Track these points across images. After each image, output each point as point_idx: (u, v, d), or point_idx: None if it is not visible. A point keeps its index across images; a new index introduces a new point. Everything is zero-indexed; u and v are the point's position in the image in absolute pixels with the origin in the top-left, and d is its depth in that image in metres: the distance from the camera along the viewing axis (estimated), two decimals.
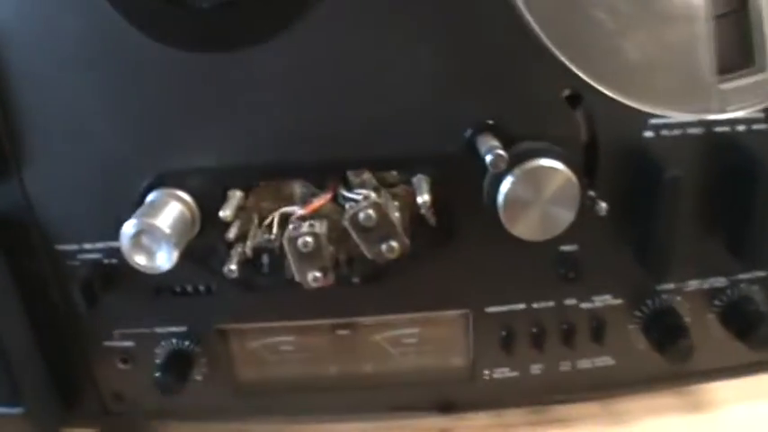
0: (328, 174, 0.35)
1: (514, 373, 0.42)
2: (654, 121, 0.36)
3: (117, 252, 0.38)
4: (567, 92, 0.34)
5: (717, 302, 0.41)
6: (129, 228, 0.34)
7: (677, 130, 0.36)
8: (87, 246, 0.39)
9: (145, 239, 0.34)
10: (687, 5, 0.33)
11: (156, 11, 0.33)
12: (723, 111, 0.36)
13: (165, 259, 0.34)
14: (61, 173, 0.37)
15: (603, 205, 0.35)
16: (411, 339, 0.41)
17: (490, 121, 0.34)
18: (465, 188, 0.34)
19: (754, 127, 0.36)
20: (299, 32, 0.33)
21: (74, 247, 0.39)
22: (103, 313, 0.40)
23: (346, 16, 0.33)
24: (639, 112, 0.35)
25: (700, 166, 0.37)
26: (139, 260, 0.34)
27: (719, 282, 0.41)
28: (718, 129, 0.36)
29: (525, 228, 0.34)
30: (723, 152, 0.37)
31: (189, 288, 0.39)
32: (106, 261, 0.39)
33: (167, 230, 0.33)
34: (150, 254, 0.34)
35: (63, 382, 0.43)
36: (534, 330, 0.40)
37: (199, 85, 0.35)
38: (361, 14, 0.33)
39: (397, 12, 0.33)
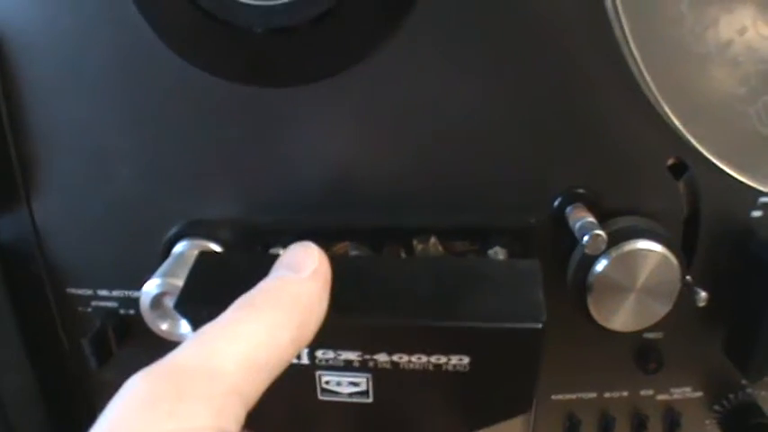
0: (387, 240, 0.30)
1: None
2: (764, 199, 0.30)
3: (135, 302, 0.34)
4: (671, 160, 0.29)
5: None
6: (151, 286, 0.29)
7: None
8: (103, 293, 0.34)
9: (168, 301, 0.29)
10: None
11: (199, 32, 0.28)
12: None
13: (189, 328, 0.29)
14: (77, 210, 0.33)
15: (703, 294, 0.30)
16: None
17: (581, 190, 0.29)
18: (546, 264, 0.29)
19: None
20: (363, 74, 0.28)
21: (87, 292, 0.35)
22: (116, 366, 0.35)
23: (423, 60, 0.28)
24: (749, 188, 0.30)
25: None
26: (161, 326, 0.29)
27: None
28: None
29: (615, 317, 0.29)
30: None
31: None
32: (122, 311, 0.34)
33: None
34: (174, 319, 0.29)
35: None
36: (602, 422, 0.35)
37: (240, 123, 0.30)
38: (440, 61, 0.28)
39: (481, 59, 0.28)
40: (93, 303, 0.35)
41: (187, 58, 0.28)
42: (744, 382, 0.35)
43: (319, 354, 0.24)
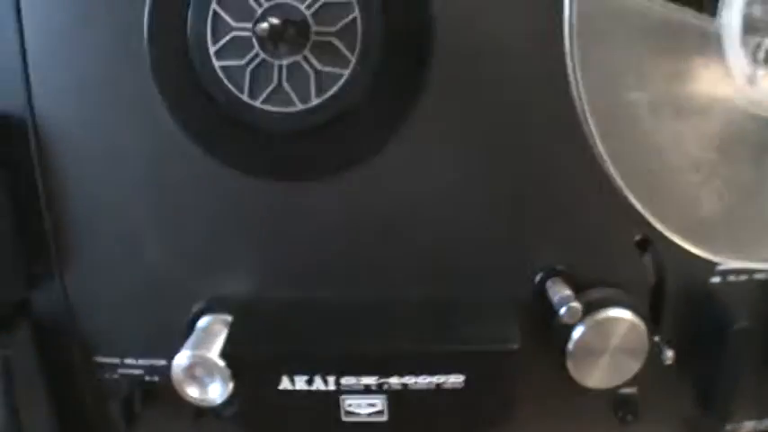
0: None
1: None
2: (722, 267, 0.36)
3: (159, 369, 0.38)
4: (637, 237, 0.35)
5: None
6: (182, 359, 0.34)
7: (744, 276, 0.36)
8: (129, 361, 0.39)
9: (198, 371, 0.34)
10: (764, 156, 0.34)
11: (224, 133, 0.34)
12: None
13: (218, 392, 0.34)
14: (107, 283, 0.37)
15: (670, 353, 0.35)
16: None
17: (559, 266, 0.35)
18: (529, 333, 0.35)
19: None
20: (363, 172, 0.34)
21: (115, 360, 0.39)
22: (140, 430, 0.40)
23: (417, 158, 0.34)
24: (708, 258, 0.35)
25: (764, 309, 0.37)
26: (192, 392, 0.34)
27: None
28: None
29: (592, 375, 0.34)
30: None
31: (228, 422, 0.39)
32: (148, 378, 0.39)
33: (222, 364, 0.33)
34: (203, 386, 0.34)
35: None
36: None
37: (257, 211, 0.35)
38: (435, 156, 0.34)
39: (469, 155, 0.34)
40: (120, 371, 0.39)
41: (212, 154, 0.34)
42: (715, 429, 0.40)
43: (344, 381, 0.30)
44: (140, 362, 0.39)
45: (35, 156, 0.35)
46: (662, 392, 0.39)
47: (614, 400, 0.38)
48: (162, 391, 0.39)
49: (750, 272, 0.36)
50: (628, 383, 0.37)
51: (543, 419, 0.38)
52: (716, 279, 0.36)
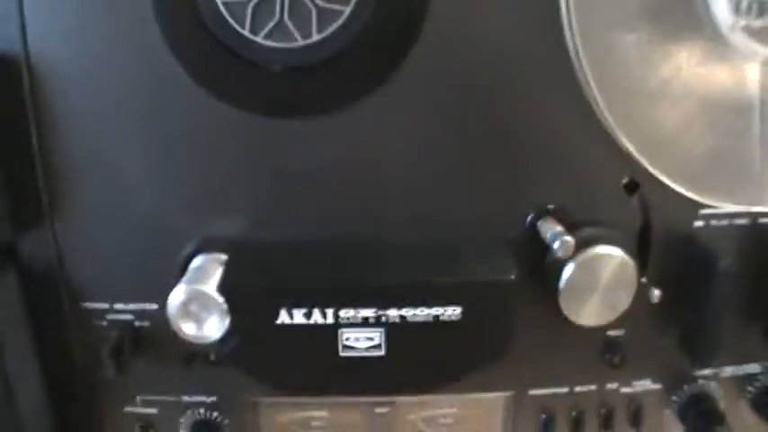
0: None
1: None
2: (704, 211, 0.38)
3: (149, 314, 0.39)
4: (625, 179, 0.36)
5: (750, 388, 0.43)
6: (178, 295, 0.34)
7: (725, 221, 0.38)
8: (119, 306, 0.39)
9: (194, 307, 0.34)
10: (745, 104, 0.36)
11: (223, 68, 0.34)
12: None
13: (215, 328, 0.34)
14: (97, 227, 0.38)
15: (657, 292, 0.37)
16: (447, 420, 0.41)
17: (550, 206, 0.36)
18: (523, 273, 0.36)
19: None
20: (357, 112, 0.35)
21: (104, 306, 0.39)
22: (128, 377, 0.40)
23: (409, 101, 0.35)
24: (691, 202, 0.37)
25: (744, 254, 0.39)
26: (188, 329, 0.34)
27: (753, 368, 0.42)
28: (764, 220, 0.39)
29: (582, 313, 0.35)
30: (766, 242, 0.39)
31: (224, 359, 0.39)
32: (138, 323, 0.39)
33: (219, 298, 0.34)
34: (199, 322, 0.34)
35: None
36: (574, 414, 0.41)
37: (251, 149, 0.36)
38: (428, 99, 0.35)
39: (461, 99, 0.35)
40: (109, 317, 0.39)
41: (209, 91, 0.34)
42: (696, 373, 0.42)
43: (342, 313, 0.30)
44: (131, 306, 0.39)
45: (28, 98, 0.35)
46: (647, 337, 0.40)
47: (602, 343, 0.39)
48: (152, 337, 0.39)
49: (731, 216, 0.38)
50: (615, 325, 0.38)
51: (535, 359, 0.39)
52: (699, 223, 0.38)
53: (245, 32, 0.33)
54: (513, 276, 0.32)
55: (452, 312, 0.32)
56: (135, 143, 0.36)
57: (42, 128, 0.36)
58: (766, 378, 0.43)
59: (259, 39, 0.33)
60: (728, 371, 0.42)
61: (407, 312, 0.32)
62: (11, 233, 0.38)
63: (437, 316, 0.32)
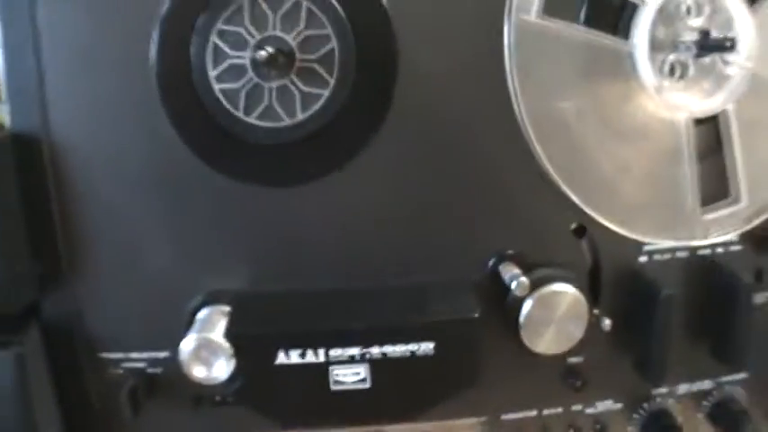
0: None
1: None
2: (647, 247, 0.44)
3: (161, 361, 0.44)
4: (574, 225, 0.42)
5: (705, 403, 0.48)
6: (189, 343, 0.39)
7: (668, 255, 0.44)
8: (133, 355, 0.44)
9: (204, 353, 0.39)
10: (675, 151, 0.42)
11: (222, 145, 0.40)
12: (705, 237, 0.44)
13: (222, 371, 0.39)
14: (112, 285, 0.43)
15: (607, 322, 0.42)
16: None
17: (510, 252, 0.42)
18: (487, 311, 0.41)
19: (731, 249, 0.45)
20: (342, 177, 0.41)
21: (119, 355, 0.44)
22: (142, 420, 0.44)
23: (384, 165, 0.41)
24: (635, 240, 0.43)
25: (687, 283, 0.45)
26: (198, 372, 0.40)
27: (706, 384, 0.48)
28: (702, 252, 0.44)
29: (541, 343, 0.41)
30: (706, 271, 0.45)
31: (228, 398, 0.44)
32: (150, 370, 0.44)
33: (225, 344, 0.39)
34: (208, 366, 0.39)
35: None
36: None
37: (249, 215, 0.42)
38: (400, 162, 0.41)
39: (428, 162, 0.41)
40: (124, 365, 0.44)
41: (209, 164, 0.40)
42: (653, 392, 0.48)
43: (331, 352, 0.37)
44: (144, 355, 0.44)
45: (48, 166, 0.41)
46: (605, 361, 0.45)
47: (564, 369, 0.45)
48: (164, 382, 0.44)
49: (672, 250, 0.44)
50: (574, 352, 0.44)
51: (504, 386, 0.44)
52: (643, 258, 0.44)
53: (240, 114, 0.39)
54: (476, 314, 0.38)
55: (426, 347, 0.38)
56: (145, 211, 0.42)
57: (62, 198, 0.41)
58: (719, 393, 0.48)
59: (251, 119, 0.39)
60: (683, 388, 0.48)
61: (388, 349, 0.38)
62: (36, 291, 0.43)
63: (413, 351, 0.38)
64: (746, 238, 0.45)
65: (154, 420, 0.45)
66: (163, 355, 0.44)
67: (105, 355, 0.44)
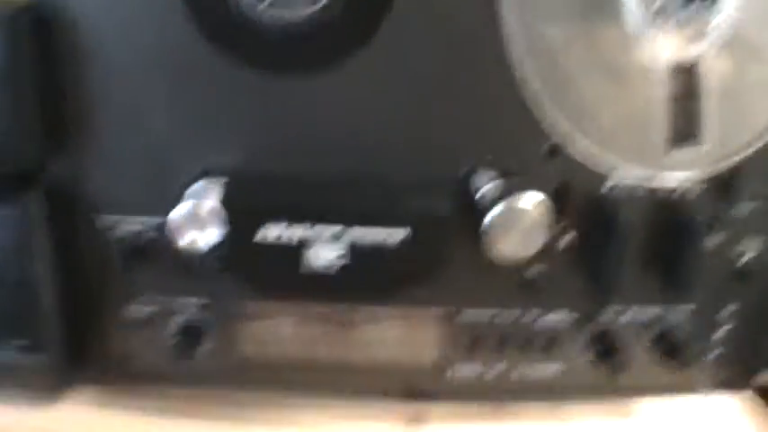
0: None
1: (477, 373, 0.53)
2: (615, 179, 0.47)
3: (156, 227, 0.48)
4: (549, 144, 0.46)
5: (652, 328, 0.53)
6: (183, 208, 0.43)
7: (629, 189, 0.48)
8: (129, 218, 0.48)
9: (196, 218, 0.43)
10: (652, 90, 0.45)
11: (232, 31, 0.43)
12: (670, 171, 0.48)
13: (213, 236, 0.43)
14: (114, 150, 0.46)
15: (568, 236, 0.47)
16: (393, 333, 0.51)
17: (487, 161, 0.46)
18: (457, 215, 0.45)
19: (690, 188, 0.48)
20: (340, 72, 0.44)
21: (116, 218, 0.48)
22: (132, 280, 0.49)
23: (379, 66, 0.44)
24: (603, 169, 0.47)
25: (647, 214, 0.48)
26: (190, 237, 0.43)
27: (655, 311, 0.52)
28: (660, 193, 0.48)
29: (507, 248, 0.45)
30: (666, 205, 0.48)
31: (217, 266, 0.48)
32: (145, 234, 0.48)
33: (220, 210, 0.43)
34: (201, 231, 0.43)
35: (78, 338, 0.51)
36: (498, 338, 0.51)
37: (251, 95, 0.45)
38: (393, 65, 0.44)
39: (417, 69, 0.44)
40: (121, 227, 0.48)
41: (220, 49, 0.43)
42: (604, 311, 0.52)
43: (313, 229, 0.42)
44: (141, 219, 0.48)
45: (60, 31, 0.43)
46: (563, 274, 0.50)
47: (524, 276, 0.49)
48: (156, 246, 0.48)
49: (634, 187, 0.48)
50: (535, 260, 0.48)
51: (468, 283, 0.49)
52: (609, 184, 0.47)
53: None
54: (448, 213, 0.43)
55: (399, 234, 0.42)
56: (152, 82, 0.44)
57: (71, 62, 0.44)
58: (665, 319, 0.53)
59: (263, 5, 0.42)
60: (634, 310, 0.52)
61: (364, 231, 0.42)
62: (41, 150, 0.46)
63: (386, 237, 0.42)
64: (711, 184, 0.48)
65: (143, 281, 0.50)
66: (158, 220, 0.47)
67: (103, 216, 0.48)
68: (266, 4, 0.42)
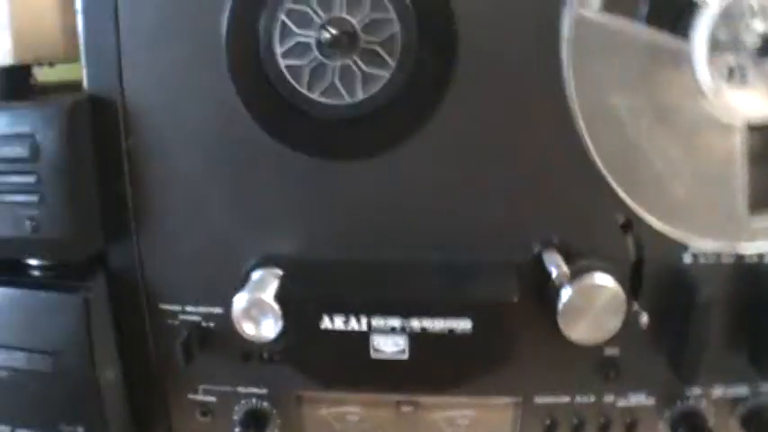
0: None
1: None
2: (693, 249, 0.45)
3: (214, 317, 0.48)
4: (622, 219, 0.44)
5: (739, 409, 0.49)
6: (241, 301, 0.43)
7: (713, 258, 0.45)
8: (189, 308, 0.48)
9: (254, 312, 0.43)
10: (727, 154, 0.43)
11: (286, 120, 0.43)
12: (751, 242, 0.45)
13: (270, 330, 0.43)
14: (174, 241, 0.47)
15: (645, 318, 0.44)
16: (464, 421, 0.49)
17: (555, 239, 0.44)
18: (529, 293, 0.43)
19: None
20: (398, 154, 0.43)
21: (177, 308, 0.48)
22: (193, 369, 0.49)
23: (439, 146, 0.43)
24: (681, 240, 0.44)
25: (730, 288, 0.45)
26: (248, 328, 0.43)
27: (742, 390, 0.49)
28: (748, 260, 0.45)
29: (578, 332, 0.43)
30: (751, 278, 0.45)
31: (275, 356, 0.48)
32: (204, 324, 0.48)
33: (274, 305, 0.42)
34: (257, 324, 0.43)
35: (139, 426, 0.52)
36: (575, 422, 0.49)
37: (306, 184, 0.45)
38: (455, 144, 0.43)
39: (483, 145, 0.43)
40: (181, 317, 0.48)
41: (275, 137, 0.43)
42: (687, 391, 0.49)
43: (373, 322, 0.40)
44: (199, 309, 0.48)
45: (121, 127, 0.45)
46: (641, 356, 0.47)
47: (599, 360, 0.47)
48: (216, 336, 0.48)
49: (718, 255, 0.45)
50: (611, 344, 0.46)
51: (539, 370, 0.47)
52: (688, 258, 0.45)
53: (304, 90, 0.42)
54: (515, 299, 0.40)
55: (464, 326, 0.40)
56: (209, 174, 0.45)
57: (133, 157, 0.45)
58: (754, 400, 0.49)
59: (315, 96, 0.42)
60: (718, 391, 0.49)
61: (427, 323, 0.40)
62: (103, 242, 0.47)
63: (451, 328, 0.40)
64: None
65: (204, 371, 0.49)
66: (217, 310, 0.47)
67: (164, 306, 0.49)
68: (318, 92, 0.41)
